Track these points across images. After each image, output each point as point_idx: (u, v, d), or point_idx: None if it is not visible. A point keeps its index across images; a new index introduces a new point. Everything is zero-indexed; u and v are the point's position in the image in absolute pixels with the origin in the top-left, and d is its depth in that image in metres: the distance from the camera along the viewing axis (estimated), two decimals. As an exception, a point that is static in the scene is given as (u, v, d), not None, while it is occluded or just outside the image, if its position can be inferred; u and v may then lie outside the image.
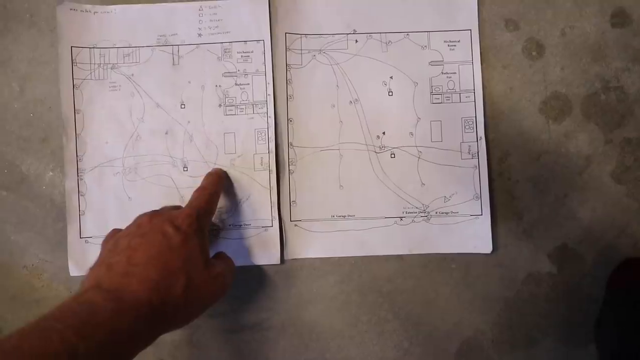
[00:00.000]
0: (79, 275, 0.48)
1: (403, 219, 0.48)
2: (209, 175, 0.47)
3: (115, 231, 0.42)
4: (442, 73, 0.49)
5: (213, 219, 0.48)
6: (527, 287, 0.48)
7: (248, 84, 0.49)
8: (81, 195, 0.48)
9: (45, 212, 0.48)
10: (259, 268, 0.48)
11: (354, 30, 0.49)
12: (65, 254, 0.48)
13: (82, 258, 0.48)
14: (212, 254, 0.47)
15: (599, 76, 0.49)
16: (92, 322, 0.31)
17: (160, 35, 0.49)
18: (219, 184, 0.46)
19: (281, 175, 0.48)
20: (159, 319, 0.35)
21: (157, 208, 0.44)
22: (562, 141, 0.48)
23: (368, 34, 0.49)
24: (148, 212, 0.41)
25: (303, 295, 0.48)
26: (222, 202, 0.48)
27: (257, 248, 0.48)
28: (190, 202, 0.43)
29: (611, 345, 0.45)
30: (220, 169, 0.48)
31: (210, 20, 0.49)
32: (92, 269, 0.37)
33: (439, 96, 0.49)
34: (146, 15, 0.49)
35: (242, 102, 0.49)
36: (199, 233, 0.39)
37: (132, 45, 0.49)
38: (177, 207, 0.44)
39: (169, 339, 0.48)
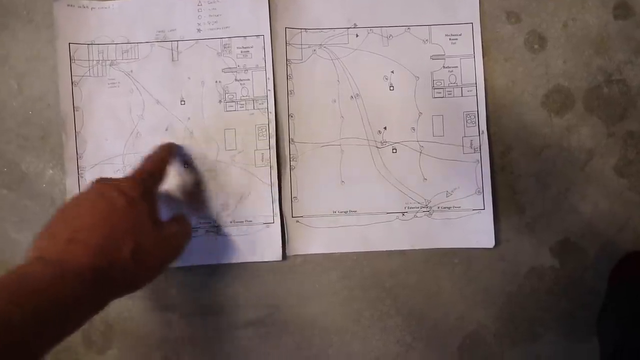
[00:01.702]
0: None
1: (405, 214, 0.48)
2: (158, 146, 0.46)
3: (70, 199, 0.40)
4: (443, 67, 0.48)
5: (213, 216, 0.48)
6: (530, 281, 0.48)
7: (248, 79, 0.48)
8: (82, 193, 0.48)
9: (45, 210, 0.48)
10: (261, 264, 0.48)
11: (355, 24, 0.49)
12: (66, 252, 0.48)
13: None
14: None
15: (601, 69, 0.48)
16: (28, 289, 0.31)
17: (159, 31, 0.48)
18: (167, 151, 0.45)
19: (282, 171, 0.48)
20: (106, 283, 0.35)
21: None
22: (564, 135, 0.48)
23: (369, 28, 0.49)
24: (94, 180, 0.40)
25: (305, 291, 0.48)
26: (223, 198, 0.48)
27: (259, 244, 0.48)
28: (135, 167, 0.42)
29: (613, 339, 0.45)
30: (171, 143, 0.47)
31: (210, 16, 0.48)
32: (36, 239, 0.37)
33: (441, 90, 0.48)
34: (144, 10, 0.48)
35: (242, 97, 0.48)
36: (145, 196, 0.39)
37: (131, 42, 0.48)
38: None
39: (172, 336, 0.48)
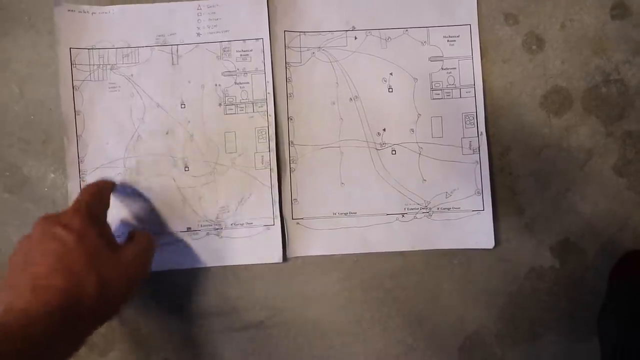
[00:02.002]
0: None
1: (405, 215, 0.48)
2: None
3: (19, 244, 0.39)
4: (442, 69, 0.49)
5: (214, 218, 0.48)
6: (530, 281, 0.48)
7: (248, 82, 0.49)
8: (83, 196, 0.48)
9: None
10: (261, 267, 0.48)
11: (353, 27, 0.49)
12: (68, 255, 0.48)
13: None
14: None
15: (599, 69, 0.48)
16: (1, 339, 0.31)
17: (159, 35, 0.49)
18: (105, 181, 0.45)
19: (282, 173, 0.48)
20: (77, 320, 0.34)
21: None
22: (563, 135, 0.48)
23: (367, 31, 0.49)
24: (38, 220, 0.39)
25: (306, 293, 0.49)
26: (224, 201, 0.48)
27: (259, 247, 0.48)
28: (76, 198, 0.41)
29: (613, 338, 0.45)
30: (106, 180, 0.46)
31: (209, 20, 0.49)
32: None
33: (439, 92, 0.49)
34: (144, 15, 0.49)
35: (242, 100, 0.49)
36: (94, 223, 0.38)
37: (131, 46, 0.49)
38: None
39: (173, 338, 0.48)
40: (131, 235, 0.43)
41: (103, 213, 0.42)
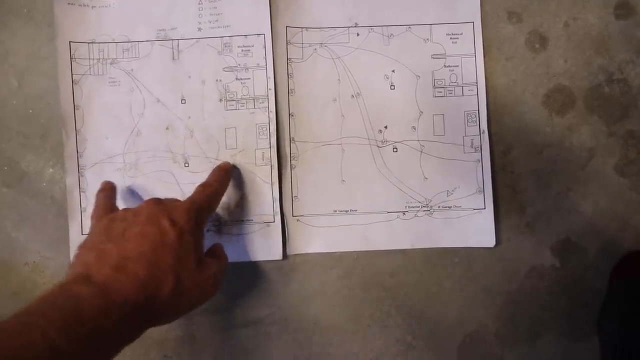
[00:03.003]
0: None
1: (405, 213, 0.48)
2: (216, 170, 0.46)
3: (124, 211, 0.40)
4: (444, 66, 0.48)
5: (213, 214, 0.47)
6: (530, 280, 0.48)
7: (249, 78, 0.48)
8: (82, 191, 0.48)
9: (45, 208, 0.48)
10: (261, 263, 0.48)
11: (356, 23, 0.49)
12: (66, 251, 0.48)
13: (84, 255, 0.48)
14: (209, 246, 0.47)
15: (602, 68, 0.48)
16: (76, 318, 0.30)
17: (160, 30, 0.48)
18: (225, 181, 0.45)
19: (283, 170, 0.48)
20: (144, 317, 0.35)
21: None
22: (565, 134, 0.48)
23: (370, 27, 0.48)
24: (150, 200, 0.40)
25: (306, 290, 0.48)
26: (223, 197, 0.48)
27: (259, 243, 0.48)
28: (192, 196, 0.42)
29: (614, 338, 0.45)
30: (229, 164, 0.47)
31: (210, 14, 0.48)
32: (81, 250, 0.37)
33: (442, 89, 0.48)
34: (145, 9, 0.48)
35: (243, 96, 0.48)
36: (195, 230, 0.39)
37: (132, 40, 0.48)
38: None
39: (173, 335, 0.48)
40: (213, 250, 0.43)
41: (206, 220, 0.42)
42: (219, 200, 0.44)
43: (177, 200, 0.41)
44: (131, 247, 0.36)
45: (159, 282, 0.35)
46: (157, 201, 0.40)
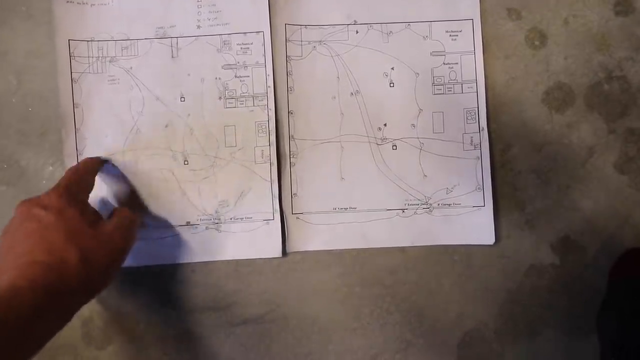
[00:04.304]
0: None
1: (405, 210, 0.48)
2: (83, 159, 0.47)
3: (4, 229, 0.41)
4: (443, 63, 0.48)
5: (213, 212, 0.47)
6: (530, 278, 0.48)
7: (248, 76, 0.48)
8: (81, 189, 0.48)
9: (45, 206, 0.48)
10: (260, 261, 0.48)
11: (355, 20, 0.48)
12: (66, 249, 0.48)
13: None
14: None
15: (602, 65, 0.48)
16: None
17: (159, 28, 0.48)
18: (91, 161, 0.46)
19: (282, 167, 0.48)
20: (62, 294, 0.35)
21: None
22: (564, 132, 0.48)
23: (369, 25, 0.48)
24: (18, 203, 0.40)
25: (305, 288, 0.48)
26: (223, 195, 0.48)
27: (259, 241, 0.48)
28: (58, 181, 0.42)
29: (613, 336, 0.45)
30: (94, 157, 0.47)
31: (209, 12, 0.48)
32: None
33: (441, 87, 0.48)
34: (144, 7, 0.48)
35: (242, 94, 0.48)
36: (72, 202, 0.39)
37: (131, 38, 0.48)
38: None
39: (172, 332, 0.48)
40: (112, 211, 0.44)
41: (83, 191, 0.43)
42: (89, 172, 0.44)
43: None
44: (21, 248, 0.37)
45: (60, 258, 0.36)
46: (23, 200, 0.40)
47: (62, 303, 0.36)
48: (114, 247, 0.40)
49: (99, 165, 0.46)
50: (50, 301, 0.35)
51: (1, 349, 0.31)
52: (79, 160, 0.47)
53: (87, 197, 0.43)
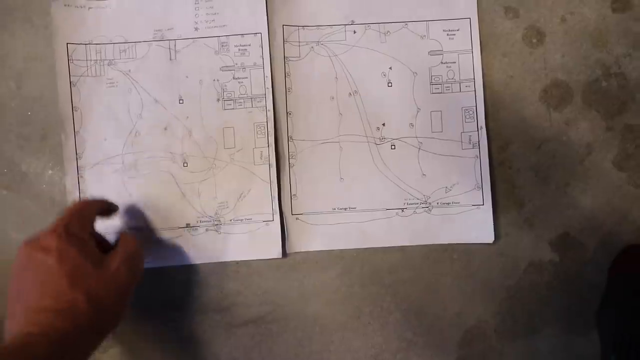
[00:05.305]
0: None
1: (404, 210, 0.48)
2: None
3: (12, 272, 0.40)
4: (441, 63, 0.48)
5: (213, 214, 0.48)
6: (529, 275, 0.48)
7: (246, 77, 0.48)
8: (82, 192, 0.48)
9: (45, 210, 0.48)
10: (260, 262, 0.48)
11: (352, 20, 0.48)
12: (67, 252, 0.48)
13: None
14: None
15: (599, 62, 0.48)
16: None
17: (157, 30, 0.48)
18: (92, 202, 0.45)
19: (281, 168, 0.48)
20: (75, 337, 0.36)
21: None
22: (563, 129, 0.48)
23: (366, 25, 0.48)
24: (20, 245, 0.39)
25: (305, 288, 0.49)
26: (223, 196, 0.48)
27: (259, 242, 0.48)
28: (57, 218, 0.41)
29: (613, 332, 0.45)
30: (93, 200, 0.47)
31: (207, 14, 0.48)
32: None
33: (439, 86, 0.48)
34: (142, 10, 0.48)
35: (240, 96, 0.48)
36: (72, 242, 0.38)
37: (129, 41, 0.48)
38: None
39: (173, 334, 0.48)
40: (117, 240, 0.43)
41: (84, 231, 0.41)
42: (90, 209, 0.43)
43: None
44: (28, 295, 0.37)
45: (68, 303, 0.36)
46: (24, 242, 0.39)
47: (75, 347, 0.36)
48: (120, 284, 0.39)
49: (100, 205, 0.45)
50: (63, 346, 0.35)
51: None
52: (80, 195, 0.48)
53: (88, 235, 0.41)
